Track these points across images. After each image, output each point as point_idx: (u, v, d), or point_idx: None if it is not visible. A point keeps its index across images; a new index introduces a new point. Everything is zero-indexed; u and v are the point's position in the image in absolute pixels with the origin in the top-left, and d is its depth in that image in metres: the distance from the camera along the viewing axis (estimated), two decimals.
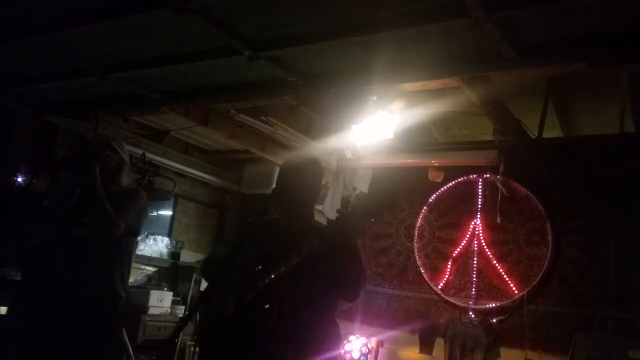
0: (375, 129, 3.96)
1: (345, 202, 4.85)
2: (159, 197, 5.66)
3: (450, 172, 4.96)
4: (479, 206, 4.91)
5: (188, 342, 5.40)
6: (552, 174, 4.47)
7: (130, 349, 3.79)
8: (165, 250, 6.32)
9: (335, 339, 2.08)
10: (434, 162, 4.69)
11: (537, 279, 4.52)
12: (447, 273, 4.96)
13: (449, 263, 4.97)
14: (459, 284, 4.90)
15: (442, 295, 4.92)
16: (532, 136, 4.30)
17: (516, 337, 4.50)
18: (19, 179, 4.64)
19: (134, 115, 5.03)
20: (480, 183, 4.93)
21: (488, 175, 4.82)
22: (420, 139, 4.97)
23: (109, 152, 2.89)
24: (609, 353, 4.03)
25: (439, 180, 4.98)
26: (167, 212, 6.56)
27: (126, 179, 3.00)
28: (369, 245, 5.50)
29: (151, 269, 6.16)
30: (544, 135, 4.23)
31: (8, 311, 3.49)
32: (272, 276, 1.89)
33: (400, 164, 4.76)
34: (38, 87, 4.32)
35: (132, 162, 4.19)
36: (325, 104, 4.49)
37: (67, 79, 4.00)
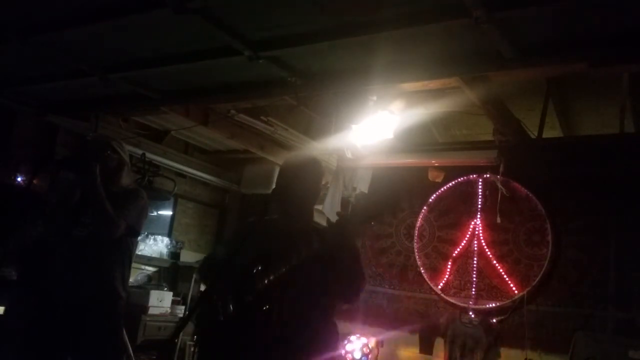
0: (375, 129, 3.96)
1: (345, 202, 4.85)
2: (159, 197, 5.66)
3: (450, 172, 4.96)
4: (479, 206, 4.91)
5: (188, 342, 5.39)
6: (552, 174, 4.48)
7: (130, 349, 3.79)
8: (165, 250, 6.31)
9: (334, 339, 2.08)
10: (434, 162, 4.69)
11: (537, 279, 4.52)
12: (447, 273, 4.96)
13: (449, 263, 4.97)
14: (459, 284, 4.90)
15: (442, 295, 4.92)
16: (532, 136, 4.30)
17: (516, 337, 4.50)
18: (19, 179, 4.64)
19: (134, 115, 5.03)
20: (480, 183, 4.94)
21: (488, 175, 4.82)
22: (420, 139, 4.97)
23: (109, 152, 2.89)
24: (609, 353, 4.03)
25: (439, 180, 4.98)
26: (167, 212, 6.56)
27: (126, 179, 3.00)
28: (369, 245, 5.50)
29: (151, 269, 6.16)
30: (544, 135, 4.22)
31: (6, 311, 3.49)
32: (272, 277, 1.89)
33: (400, 164, 4.76)
34: (38, 87, 4.31)
35: (132, 162, 4.19)
36: (325, 104, 4.48)
37: (67, 79, 4.00)
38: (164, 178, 5.78)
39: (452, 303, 4.86)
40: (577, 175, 4.39)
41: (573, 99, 4.39)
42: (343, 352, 4.72)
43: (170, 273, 6.34)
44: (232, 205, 7.07)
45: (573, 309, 4.40)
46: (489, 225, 4.83)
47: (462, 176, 5.02)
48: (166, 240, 6.35)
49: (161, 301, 5.36)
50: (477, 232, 4.89)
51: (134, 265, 3.43)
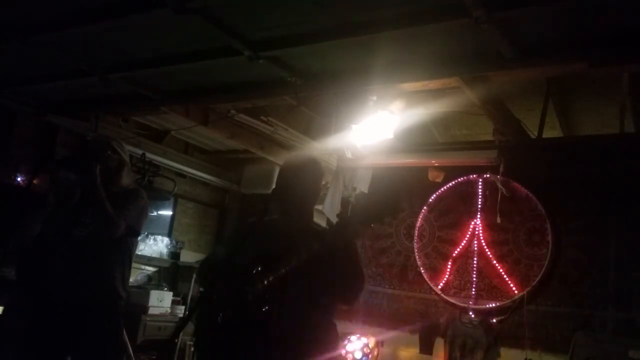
0: (375, 129, 3.96)
1: (345, 202, 4.85)
2: (159, 197, 5.66)
3: (450, 172, 4.96)
4: (479, 206, 4.91)
5: (188, 342, 5.40)
6: (552, 174, 4.48)
7: (130, 349, 3.79)
8: (165, 250, 6.32)
9: (333, 340, 2.08)
10: (434, 162, 4.69)
11: (537, 279, 4.52)
12: (447, 273, 4.96)
13: (449, 263, 4.97)
14: (459, 284, 4.90)
15: (442, 295, 4.92)
16: (532, 136, 4.30)
17: (516, 337, 4.50)
18: (19, 179, 4.64)
19: (134, 115, 5.03)
20: (480, 183, 4.94)
21: (488, 175, 4.82)
22: (420, 139, 4.97)
23: (109, 152, 2.89)
24: (609, 353, 4.03)
25: (439, 180, 4.98)
26: (167, 212, 6.56)
27: (126, 179, 3.00)
28: (369, 245, 5.50)
29: (151, 269, 6.16)
30: (544, 135, 4.22)
31: (5, 311, 3.49)
32: (272, 278, 1.89)
33: (400, 164, 4.76)
34: (38, 87, 4.31)
35: (132, 162, 4.19)
36: (325, 104, 4.49)
37: (67, 79, 4.00)
38: (164, 178, 5.78)
39: (452, 303, 4.86)
40: (577, 175, 4.39)
41: (573, 99, 4.39)
42: (343, 352, 4.72)
43: (170, 273, 6.34)
44: (232, 205, 7.07)
45: (573, 309, 4.40)
46: (489, 225, 4.83)
47: (462, 176, 5.02)
48: (166, 240, 6.35)
49: (161, 301, 5.36)
50: (477, 232, 4.89)
51: (134, 265, 3.43)
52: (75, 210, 2.80)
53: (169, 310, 5.44)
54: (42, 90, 4.39)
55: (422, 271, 5.08)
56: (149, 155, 5.26)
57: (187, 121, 4.63)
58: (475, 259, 4.85)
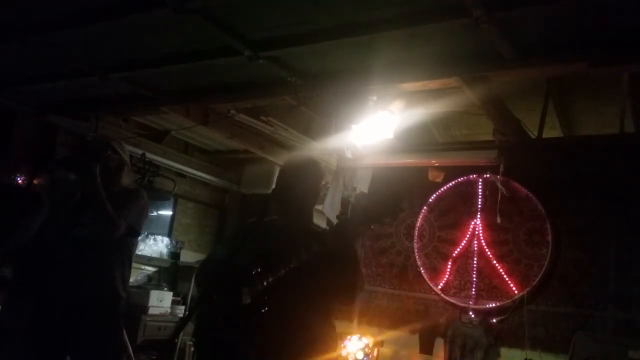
0: (375, 129, 3.96)
1: (345, 202, 4.85)
2: (159, 197, 5.66)
3: (450, 172, 4.96)
4: (479, 206, 4.91)
5: (188, 342, 5.40)
6: (552, 174, 4.48)
7: (130, 349, 3.79)
8: (165, 250, 6.32)
9: (332, 341, 2.08)
10: (434, 162, 4.69)
11: (537, 279, 4.52)
12: (447, 273, 4.96)
13: (449, 263, 4.97)
14: (459, 284, 4.90)
15: (442, 295, 4.92)
16: (532, 136, 4.30)
17: (516, 337, 4.50)
18: (19, 179, 4.64)
19: (134, 115, 5.03)
20: (480, 183, 4.93)
21: (488, 175, 4.82)
22: (420, 139, 4.97)
23: (109, 152, 2.88)
24: (609, 353, 4.03)
25: (439, 180, 4.98)
26: (167, 212, 6.56)
27: (126, 179, 2.99)
28: (369, 245, 5.50)
29: (151, 269, 6.17)
30: (544, 135, 4.23)
31: (2, 310, 3.48)
32: (271, 278, 1.89)
33: (400, 164, 4.76)
34: (38, 87, 4.31)
35: (132, 162, 4.19)
36: (325, 104, 4.49)
37: (67, 79, 4.00)
38: (164, 178, 5.78)
39: (452, 303, 4.86)
40: (577, 175, 4.39)
41: (573, 99, 4.39)
42: (343, 352, 4.72)
43: (170, 273, 6.35)
44: (232, 205, 7.07)
45: (573, 309, 4.40)
46: (489, 225, 4.83)
47: (462, 176, 5.02)
48: (166, 240, 6.35)
49: (161, 301, 5.36)
50: (477, 232, 4.89)
51: (134, 265, 3.43)
52: (75, 210, 2.80)
53: (169, 310, 5.44)
54: (42, 90, 4.40)
55: (422, 271, 5.08)
56: (149, 155, 5.26)
57: (187, 121, 4.64)
58: (475, 259, 4.85)
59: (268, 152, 5.38)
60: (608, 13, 2.43)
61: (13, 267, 3.62)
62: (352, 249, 2.04)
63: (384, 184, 5.06)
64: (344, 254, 1.97)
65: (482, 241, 4.85)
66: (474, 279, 4.81)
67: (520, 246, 4.70)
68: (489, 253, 4.81)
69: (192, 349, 5.34)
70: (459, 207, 5.06)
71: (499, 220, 4.59)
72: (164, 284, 5.99)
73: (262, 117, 4.65)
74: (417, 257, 5.15)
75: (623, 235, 4.32)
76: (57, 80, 4.07)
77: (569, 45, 2.70)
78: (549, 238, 4.55)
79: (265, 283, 1.89)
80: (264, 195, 5.83)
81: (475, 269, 4.83)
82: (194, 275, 5.69)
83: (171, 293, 5.63)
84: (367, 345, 4.86)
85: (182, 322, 2.75)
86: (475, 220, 4.91)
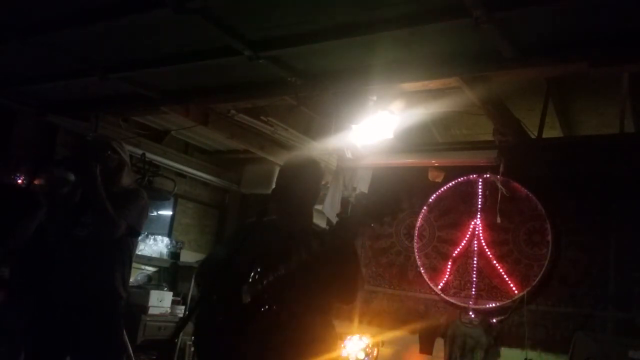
0: (375, 129, 3.96)
1: (345, 202, 4.85)
2: (159, 197, 5.66)
3: (450, 172, 4.96)
4: (479, 206, 4.91)
5: (188, 342, 5.40)
6: (552, 174, 4.48)
7: (130, 349, 3.79)
8: (165, 250, 6.32)
9: (332, 340, 2.08)
10: (434, 162, 4.69)
11: (537, 279, 4.52)
12: (447, 273, 4.96)
13: (449, 263, 4.97)
14: (459, 284, 4.90)
15: (442, 295, 4.92)
16: (532, 136, 4.30)
17: (516, 337, 4.50)
18: (19, 179, 4.64)
19: (134, 115, 5.03)
20: (480, 183, 4.93)
21: (488, 175, 4.82)
22: (420, 139, 4.97)
23: (109, 152, 2.88)
24: (609, 353, 4.03)
25: (439, 180, 4.98)
26: (167, 212, 6.56)
27: (126, 179, 2.99)
28: (369, 245, 5.50)
29: (151, 269, 6.17)
30: (544, 135, 4.23)
31: (2, 310, 3.48)
32: (271, 278, 1.89)
33: (400, 164, 4.76)
34: (38, 87, 4.32)
35: (132, 162, 4.19)
36: (325, 104, 4.49)
37: (67, 79, 4.00)
38: (164, 178, 5.79)
39: (452, 303, 4.86)
40: (577, 175, 4.39)
41: (573, 99, 4.39)
42: (344, 352, 4.72)
43: (170, 273, 6.35)
44: (232, 205, 7.08)
45: (573, 309, 4.40)
46: (489, 225, 4.83)
47: (462, 176, 5.02)
48: (166, 240, 6.35)
49: (161, 301, 5.37)
50: (477, 232, 4.89)
51: (134, 265, 3.43)
52: (75, 210, 2.80)
53: (169, 310, 5.44)
54: (42, 90, 4.40)
55: (422, 271, 5.08)
56: (149, 155, 5.26)
57: (187, 121, 4.64)
58: (475, 259, 4.85)
59: (268, 152, 5.39)
60: (608, 13, 2.43)
61: (11, 267, 3.62)
62: (352, 248, 2.04)
63: (384, 184, 5.06)
64: (344, 253, 1.98)
65: (482, 241, 4.85)
66: (474, 279, 4.81)
67: (520, 246, 4.70)
68: (489, 253, 4.81)
69: (192, 349, 5.34)
70: (459, 207, 5.06)
71: (499, 220, 4.59)
72: (164, 284, 5.99)
73: (262, 117, 4.65)
74: (417, 257, 5.15)
75: (623, 236, 4.32)
76: (57, 80, 4.07)
77: (569, 45, 2.70)
78: (549, 238, 4.55)
79: (265, 282, 1.89)
80: (264, 195, 5.83)
81: (475, 269, 4.83)
82: (194, 275, 5.69)
83: (171, 293, 5.63)
84: (367, 345, 4.86)
85: (182, 322, 2.75)
86: (475, 220, 4.91)
